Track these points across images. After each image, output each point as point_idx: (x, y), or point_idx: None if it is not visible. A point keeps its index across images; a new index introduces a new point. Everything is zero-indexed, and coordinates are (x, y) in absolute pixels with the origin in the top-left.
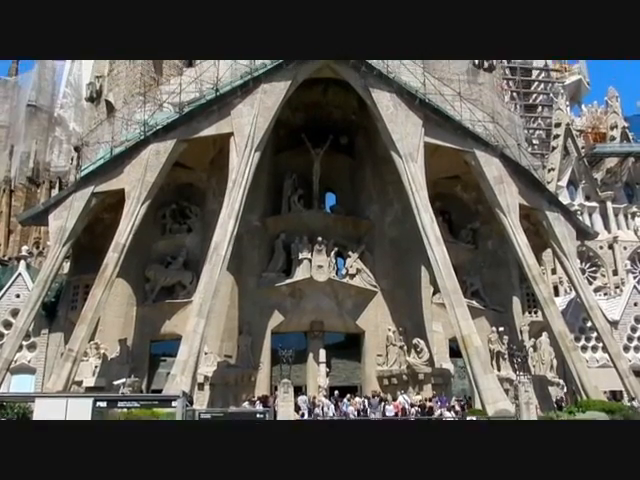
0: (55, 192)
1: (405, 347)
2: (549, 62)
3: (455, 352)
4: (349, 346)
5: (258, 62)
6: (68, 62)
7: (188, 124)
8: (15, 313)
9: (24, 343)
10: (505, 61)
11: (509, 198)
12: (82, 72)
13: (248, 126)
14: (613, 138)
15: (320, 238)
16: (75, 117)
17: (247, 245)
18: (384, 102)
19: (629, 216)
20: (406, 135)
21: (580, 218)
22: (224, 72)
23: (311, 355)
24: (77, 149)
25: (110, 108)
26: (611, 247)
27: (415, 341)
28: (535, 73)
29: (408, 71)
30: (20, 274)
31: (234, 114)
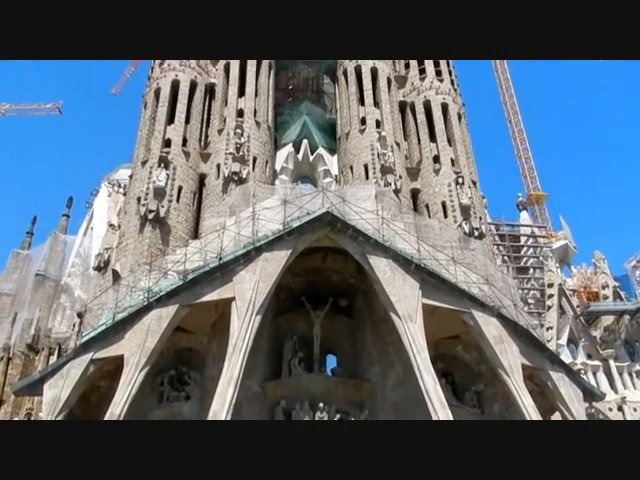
0: (53, 359)
1: None
2: (535, 229)
3: None
4: None
5: (260, 234)
6: (80, 235)
7: (191, 290)
8: None
9: None
10: (494, 229)
11: (511, 358)
12: (92, 244)
13: (250, 291)
14: (606, 297)
15: (322, 404)
16: (81, 285)
17: (246, 413)
18: (381, 267)
19: (634, 375)
20: (404, 297)
21: (584, 377)
22: (228, 243)
23: None
24: (80, 315)
25: (116, 276)
26: (620, 409)
27: None
28: (523, 239)
29: (403, 239)
30: None
31: (236, 280)
